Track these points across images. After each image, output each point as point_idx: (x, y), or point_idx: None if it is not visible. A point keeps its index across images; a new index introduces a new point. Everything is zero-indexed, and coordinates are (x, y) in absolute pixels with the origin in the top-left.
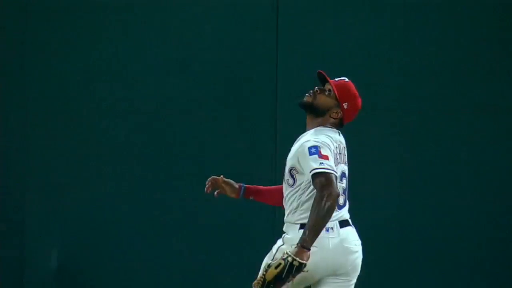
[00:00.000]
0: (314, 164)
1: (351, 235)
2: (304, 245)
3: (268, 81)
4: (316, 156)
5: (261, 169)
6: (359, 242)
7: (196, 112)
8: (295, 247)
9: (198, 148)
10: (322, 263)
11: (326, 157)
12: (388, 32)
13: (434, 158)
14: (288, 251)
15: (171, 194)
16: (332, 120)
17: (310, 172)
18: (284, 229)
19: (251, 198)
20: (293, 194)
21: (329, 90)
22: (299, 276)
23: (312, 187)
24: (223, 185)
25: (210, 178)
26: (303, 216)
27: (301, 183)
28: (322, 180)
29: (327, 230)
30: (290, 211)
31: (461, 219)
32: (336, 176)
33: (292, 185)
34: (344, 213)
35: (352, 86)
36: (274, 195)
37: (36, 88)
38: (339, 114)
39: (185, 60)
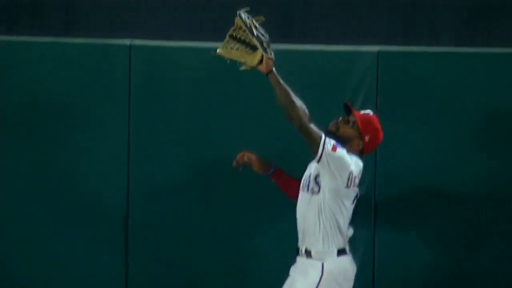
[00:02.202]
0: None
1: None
2: (271, 72)
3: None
4: (334, 143)
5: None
6: None
7: None
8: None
9: None
10: (344, 281)
11: (334, 148)
12: None
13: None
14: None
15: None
16: (352, 151)
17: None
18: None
19: (273, 180)
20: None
21: (353, 122)
22: None
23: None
24: (255, 162)
25: (243, 154)
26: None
27: (325, 192)
28: (313, 137)
29: (345, 252)
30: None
31: None
32: (321, 137)
33: (318, 192)
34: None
35: (376, 120)
36: (292, 187)
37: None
38: (360, 146)
39: None
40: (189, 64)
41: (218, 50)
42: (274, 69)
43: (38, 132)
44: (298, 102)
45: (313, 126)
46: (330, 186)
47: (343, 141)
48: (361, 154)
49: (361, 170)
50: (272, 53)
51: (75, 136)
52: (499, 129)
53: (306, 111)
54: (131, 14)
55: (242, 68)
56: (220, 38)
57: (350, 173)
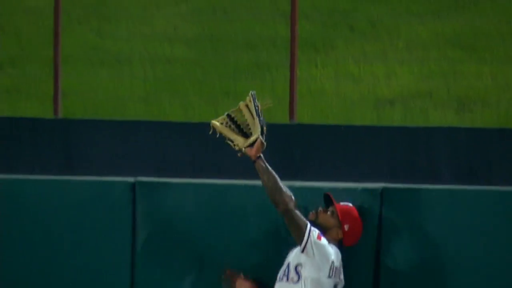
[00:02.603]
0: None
1: None
2: (259, 157)
3: None
4: (318, 232)
5: None
6: None
7: None
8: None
9: None
10: None
11: (319, 237)
12: None
13: None
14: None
15: None
16: (332, 240)
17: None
18: None
19: None
20: None
21: (332, 212)
22: None
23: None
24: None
25: (241, 282)
26: None
27: (307, 282)
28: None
29: None
30: None
31: None
32: (307, 225)
33: (297, 281)
34: None
35: (355, 211)
36: None
37: None
38: (339, 235)
39: None
40: (192, 199)
41: (213, 121)
42: (262, 155)
43: (39, 269)
44: (285, 189)
45: (298, 213)
46: (313, 276)
47: (322, 230)
48: (340, 245)
49: (341, 261)
50: (265, 143)
51: (78, 272)
52: (495, 260)
53: (293, 197)
54: (133, 153)
55: (230, 145)
56: (218, 175)
57: (332, 262)
